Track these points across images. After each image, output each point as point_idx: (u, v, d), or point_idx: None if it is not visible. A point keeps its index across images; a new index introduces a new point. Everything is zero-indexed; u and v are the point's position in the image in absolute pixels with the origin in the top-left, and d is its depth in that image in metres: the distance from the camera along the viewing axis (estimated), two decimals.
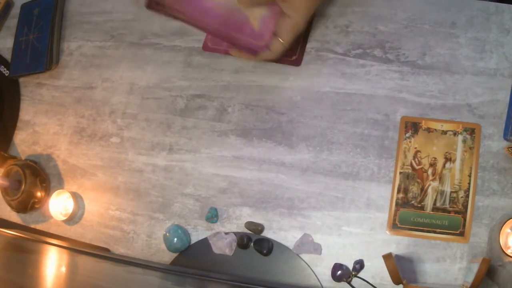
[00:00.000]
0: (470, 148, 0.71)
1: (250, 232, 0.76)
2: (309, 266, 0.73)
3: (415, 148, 0.73)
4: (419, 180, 0.72)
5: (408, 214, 0.71)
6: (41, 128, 0.91)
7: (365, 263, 0.71)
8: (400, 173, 0.73)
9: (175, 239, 0.77)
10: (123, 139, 0.86)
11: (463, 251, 0.69)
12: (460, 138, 0.72)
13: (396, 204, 0.72)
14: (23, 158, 0.90)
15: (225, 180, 0.79)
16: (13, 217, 0.89)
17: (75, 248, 0.81)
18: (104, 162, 0.86)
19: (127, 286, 0.71)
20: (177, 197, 0.81)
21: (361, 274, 0.71)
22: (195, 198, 0.80)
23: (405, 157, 0.73)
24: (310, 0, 0.66)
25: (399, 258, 0.70)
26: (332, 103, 0.78)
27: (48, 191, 0.87)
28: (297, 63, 0.68)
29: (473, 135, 0.72)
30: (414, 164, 0.72)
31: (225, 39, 0.67)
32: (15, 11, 0.99)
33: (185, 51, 0.86)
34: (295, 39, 0.69)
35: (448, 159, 0.71)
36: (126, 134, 0.86)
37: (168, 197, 0.81)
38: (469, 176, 0.70)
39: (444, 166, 0.71)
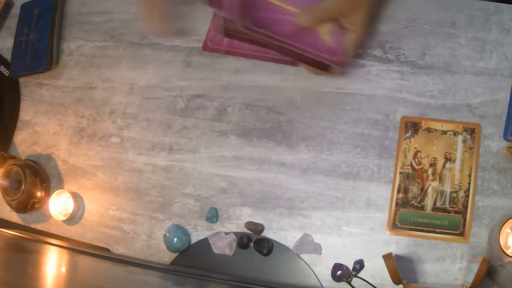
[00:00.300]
0: (470, 148, 0.71)
1: (250, 232, 0.76)
2: (309, 266, 0.73)
3: (415, 148, 0.73)
4: (419, 180, 0.72)
5: (408, 214, 0.71)
6: (41, 128, 0.91)
7: (365, 263, 0.71)
8: (400, 173, 0.73)
9: (175, 239, 0.77)
10: (123, 139, 0.86)
11: (463, 251, 0.69)
12: (460, 138, 0.72)
13: (396, 204, 0.72)
14: (23, 158, 0.90)
15: (225, 180, 0.79)
16: (13, 217, 0.89)
17: (75, 248, 0.81)
18: (104, 162, 0.86)
19: (127, 286, 0.71)
20: (177, 197, 0.81)
21: (361, 274, 0.71)
22: (195, 198, 0.80)
23: (405, 157, 0.73)
24: (366, 12, 0.68)
25: (399, 258, 0.70)
26: (332, 103, 0.78)
27: (48, 191, 0.87)
28: (341, 64, 0.68)
29: (473, 135, 0.72)
30: (414, 164, 0.72)
31: (298, 57, 0.66)
32: (15, 11, 0.99)
33: (185, 51, 0.86)
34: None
35: (448, 159, 0.71)
36: (126, 134, 0.86)
37: (168, 197, 0.81)
38: (469, 176, 0.70)
39: (444, 166, 0.71)
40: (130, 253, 0.80)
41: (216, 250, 0.76)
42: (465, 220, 0.69)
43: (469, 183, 0.70)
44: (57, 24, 0.94)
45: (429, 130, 0.73)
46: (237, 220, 0.77)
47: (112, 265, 0.77)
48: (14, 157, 0.90)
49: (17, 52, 0.95)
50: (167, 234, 0.78)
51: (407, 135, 0.74)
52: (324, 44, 0.66)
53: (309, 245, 0.73)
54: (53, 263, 0.77)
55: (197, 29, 0.87)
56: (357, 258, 0.71)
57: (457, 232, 0.69)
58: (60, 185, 0.87)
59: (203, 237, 0.78)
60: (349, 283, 0.70)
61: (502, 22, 0.74)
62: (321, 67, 0.69)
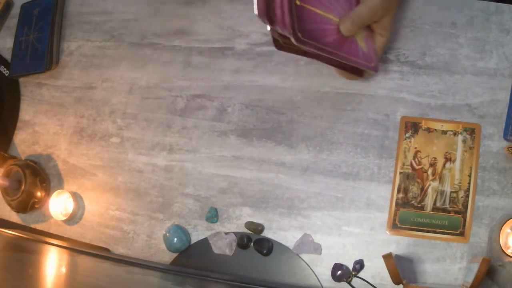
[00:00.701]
0: (470, 148, 0.71)
1: (250, 232, 0.76)
2: (309, 266, 0.73)
3: (415, 148, 0.73)
4: (419, 180, 0.72)
5: (408, 214, 0.71)
6: (41, 128, 0.91)
7: (365, 263, 0.71)
8: (400, 173, 0.73)
9: (175, 239, 0.77)
10: (123, 139, 0.86)
11: (463, 251, 0.69)
12: (460, 138, 0.72)
13: (396, 204, 0.72)
14: (23, 158, 0.90)
15: (225, 180, 0.79)
16: (13, 217, 0.89)
17: (75, 248, 0.81)
18: (104, 162, 0.86)
19: (127, 286, 0.71)
20: (177, 197, 0.81)
21: (361, 274, 0.71)
22: (195, 198, 0.80)
23: (405, 157, 0.73)
24: (393, 16, 0.69)
25: (399, 258, 0.70)
26: (332, 103, 0.78)
27: (48, 191, 0.87)
28: (375, 69, 0.69)
29: (473, 135, 0.72)
30: (414, 164, 0.72)
31: (341, 65, 0.66)
32: (15, 11, 0.99)
33: (185, 51, 0.86)
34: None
35: (448, 159, 0.71)
36: (126, 134, 0.86)
37: (168, 197, 0.81)
38: (469, 176, 0.70)
39: (444, 166, 0.71)
40: (130, 253, 0.80)
41: (216, 250, 0.76)
42: (465, 220, 0.69)
43: (469, 183, 0.70)
44: (57, 24, 0.94)
45: (429, 130, 0.73)
46: (237, 220, 0.77)
47: (112, 265, 0.77)
48: (14, 157, 0.90)
49: (17, 52, 0.95)
50: (167, 234, 0.78)
51: (407, 135, 0.74)
52: (362, 51, 0.67)
53: (309, 245, 0.73)
54: (53, 263, 0.77)
55: (197, 29, 0.87)
56: (357, 258, 0.71)
57: (457, 232, 0.69)
58: (60, 185, 0.87)
59: (203, 237, 0.78)
60: (349, 283, 0.70)
61: (502, 22, 0.74)
62: (357, 72, 0.70)
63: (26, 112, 0.93)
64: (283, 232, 0.75)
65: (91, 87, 0.90)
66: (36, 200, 0.85)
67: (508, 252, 0.62)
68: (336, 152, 0.76)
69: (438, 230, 0.70)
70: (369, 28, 0.68)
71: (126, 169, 0.84)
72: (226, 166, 0.80)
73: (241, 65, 0.83)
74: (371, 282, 0.69)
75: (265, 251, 0.74)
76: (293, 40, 0.56)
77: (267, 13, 0.55)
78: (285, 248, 0.74)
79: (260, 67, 0.82)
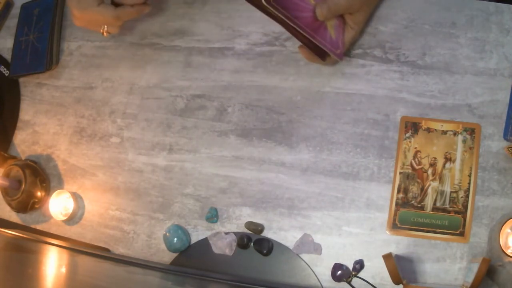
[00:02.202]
0: (470, 148, 0.71)
1: (250, 232, 0.76)
2: (309, 266, 0.73)
3: (415, 148, 0.73)
4: (419, 180, 0.72)
5: (408, 214, 0.71)
6: (41, 128, 0.91)
7: (365, 263, 0.71)
8: (400, 173, 0.73)
9: (175, 239, 0.77)
10: (123, 139, 0.86)
11: (463, 251, 0.69)
12: (460, 138, 0.72)
13: (396, 204, 0.72)
14: (23, 158, 0.90)
15: (225, 180, 0.79)
16: (13, 217, 0.89)
17: (75, 248, 0.81)
18: (104, 162, 0.86)
19: (127, 286, 0.71)
20: (177, 197, 0.81)
21: (361, 274, 0.71)
22: (195, 198, 0.80)
23: (405, 157, 0.73)
24: (368, 14, 0.74)
25: (399, 258, 0.70)
26: (332, 103, 0.78)
27: (48, 191, 0.87)
28: (340, 56, 0.72)
29: (473, 135, 0.72)
30: (414, 164, 0.72)
31: (306, 42, 0.70)
32: (15, 11, 0.99)
33: (185, 51, 0.86)
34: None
35: (448, 159, 0.71)
36: (126, 134, 0.86)
37: (168, 197, 0.81)
38: (469, 176, 0.70)
39: (444, 166, 0.71)
40: (130, 253, 0.80)
41: (216, 250, 0.76)
42: (465, 220, 0.69)
43: (469, 183, 0.70)
44: (57, 24, 0.94)
45: (429, 130, 0.73)
46: (237, 220, 0.77)
47: (112, 265, 0.77)
48: (14, 157, 0.90)
49: (17, 52, 0.95)
50: (167, 234, 0.78)
51: (407, 135, 0.74)
52: (330, 36, 0.70)
53: (309, 245, 0.73)
54: (53, 263, 0.77)
55: (197, 29, 0.87)
56: (357, 258, 0.71)
57: (457, 232, 0.69)
58: (60, 185, 0.87)
59: (203, 237, 0.78)
60: (349, 283, 0.70)
61: (502, 22, 0.74)
62: (320, 55, 0.72)
63: (26, 112, 0.93)
64: (283, 232, 0.75)
65: (91, 87, 0.90)
66: (36, 200, 0.85)
67: (508, 252, 0.62)
68: (336, 152, 0.76)
69: (438, 230, 0.70)
70: (342, 18, 0.72)
71: (126, 169, 0.84)
72: (226, 166, 0.80)
73: (241, 65, 0.83)
74: (371, 282, 0.69)
75: (265, 251, 0.74)
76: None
77: None
78: (285, 248, 0.74)
79: (260, 67, 0.82)
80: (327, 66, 0.79)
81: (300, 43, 0.71)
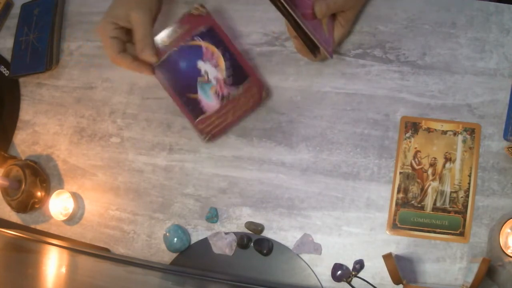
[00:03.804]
0: (470, 148, 0.71)
1: (250, 232, 0.76)
2: (309, 266, 0.73)
3: (415, 148, 0.73)
4: (419, 180, 0.72)
5: (408, 214, 0.71)
6: (41, 128, 0.91)
7: (365, 263, 0.71)
8: (400, 173, 0.73)
9: (175, 239, 0.77)
10: (123, 139, 0.86)
11: (463, 251, 0.69)
12: (460, 138, 0.72)
13: (396, 204, 0.72)
14: (23, 158, 0.90)
15: (225, 180, 0.79)
16: (13, 217, 0.89)
17: (75, 248, 0.81)
18: (104, 162, 0.86)
19: (127, 286, 0.72)
20: (177, 197, 0.81)
21: (361, 274, 0.71)
22: (195, 198, 0.80)
23: (405, 157, 0.73)
24: (357, 12, 0.76)
25: (399, 258, 0.70)
26: (332, 103, 0.78)
27: (48, 191, 0.87)
28: (331, 54, 0.74)
29: (473, 135, 0.72)
30: (414, 164, 0.72)
31: (301, 35, 0.71)
32: (15, 11, 0.99)
33: None
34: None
35: (448, 159, 0.71)
36: (126, 134, 0.86)
37: (168, 197, 0.81)
38: (469, 176, 0.70)
39: (444, 166, 0.71)
40: (130, 253, 0.80)
41: (216, 250, 0.76)
42: (465, 220, 0.69)
43: (469, 183, 0.70)
44: (57, 24, 0.94)
45: (429, 130, 0.73)
46: (237, 220, 0.77)
47: (112, 265, 0.77)
48: (14, 157, 0.90)
49: (17, 52, 0.95)
50: (167, 234, 0.78)
51: (407, 135, 0.74)
52: (324, 34, 0.72)
53: (309, 245, 0.73)
54: (53, 263, 0.77)
55: None
56: (357, 258, 0.71)
57: (457, 232, 0.69)
58: (60, 185, 0.87)
59: (203, 237, 0.78)
60: (349, 283, 0.70)
61: (502, 22, 0.74)
62: (312, 52, 0.73)
63: (26, 112, 0.93)
64: (283, 232, 0.75)
65: (91, 87, 0.90)
66: (36, 200, 0.85)
67: (508, 252, 0.62)
68: (336, 152, 0.76)
69: (438, 230, 0.70)
70: (332, 16, 0.73)
71: (126, 169, 0.84)
72: (226, 166, 0.80)
73: None
74: (371, 282, 0.69)
75: (265, 251, 0.74)
76: None
77: None
78: (285, 248, 0.74)
79: (260, 67, 0.82)
80: (327, 66, 0.79)
81: (295, 34, 0.72)
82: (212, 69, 0.73)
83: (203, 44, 0.73)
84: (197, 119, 0.74)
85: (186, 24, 0.74)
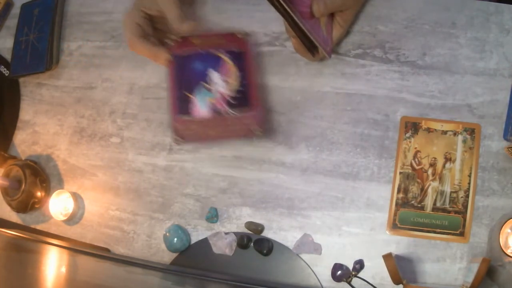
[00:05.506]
0: (470, 148, 0.71)
1: (250, 232, 0.76)
2: (309, 266, 0.73)
3: (415, 148, 0.73)
4: (419, 180, 0.72)
5: (408, 214, 0.71)
6: (41, 128, 0.91)
7: (365, 263, 0.71)
8: (400, 173, 0.73)
9: (175, 239, 0.77)
10: (123, 139, 0.86)
11: (463, 251, 0.69)
12: (460, 138, 0.72)
13: (396, 204, 0.72)
14: (23, 158, 0.90)
15: (225, 180, 0.79)
16: (13, 217, 0.89)
17: (75, 248, 0.81)
18: (104, 162, 0.86)
19: (127, 286, 0.72)
20: (177, 197, 0.81)
21: (361, 274, 0.71)
22: (195, 198, 0.80)
23: (405, 157, 0.73)
24: (356, 12, 0.76)
25: (399, 258, 0.70)
26: (332, 103, 0.78)
27: (48, 191, 0.87)
28: (330, 54, 0.74)
29: (473, 135, 0.72)
30: (414, 164, 0.72)
31: (299, 34, 0.71)
32: (15, 11, 0.99)
33: None
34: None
35: (448, 159, 0.71)
36: (126, 134, 0.86)
37: (168, 197, 0.81)
38: (469, 176, 0.70)
39: (444, 166, 0.71)
40: (130, 253, 0.80)
41: (216, 250, 0.76)
42: (465, 220, 0.69)
43: (469, 183, 0.70)
44: (57, 24, 0.94)
45: (429, 130, 0.73)
46: (237, 220, 0.77)
47: (112, 265, 0.77)
48: (14, 157, 0.90)
49: (17, 52, 0.95)
50: (167, 234, 0.78)
51: (407, 135, 0.74)
52: (323, 33, 0.71)
53: (309, 245, 0.73)
54: (53, 263, 0.77)
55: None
56: (357, 258, 0.71)
57: (457, 232, 0.69)
58: (60, 185, 0.87)
59: (203, 237, 0.78)
60: (349, 283, 0.70)
61: (502, 22, 0.74)
62: (311, 51, 0.73)
63: (26, 112, 0.93)
64: (283, 232, 0.75)
65: (91, 87, 0.90)
66: (36, 200, 0.85)
67: (508, 252, 0.62)
68: (336, 152, 0.76)
69: (438, 230, 0.70)
70: (330, 15, 0.73)
71: (126, 169, 0.84)
72: (226, 166, 0.80)
73: None
74: (371, 282, 0.69)
75: (265, 251, 0.74)
76: None
77: None
78: (285, 248, 0.74)
79: (260, 67, 0.82)
80: (327, 66, 0.79)
81: (292, 32, 0.72)
82: (220, 82, 0.72)
83: (226, 59, 0.73)
84: (179, 116, 0.70)
85: (224, 38, 0.74)
